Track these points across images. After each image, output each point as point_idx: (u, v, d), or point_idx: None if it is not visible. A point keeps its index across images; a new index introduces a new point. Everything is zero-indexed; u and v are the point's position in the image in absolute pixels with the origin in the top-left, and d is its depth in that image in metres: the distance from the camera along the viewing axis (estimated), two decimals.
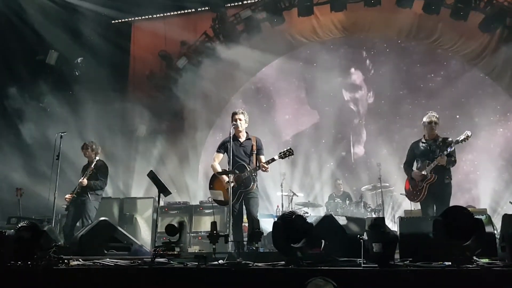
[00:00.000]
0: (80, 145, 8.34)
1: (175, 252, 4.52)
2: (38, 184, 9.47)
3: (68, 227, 7.74)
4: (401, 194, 7.89)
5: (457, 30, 10.85)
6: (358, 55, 11.84)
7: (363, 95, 11.74)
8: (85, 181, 7.70)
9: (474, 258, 3.84)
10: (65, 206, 7.82)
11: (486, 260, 3.99)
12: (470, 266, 3.67)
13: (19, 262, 4.39)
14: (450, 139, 6.69)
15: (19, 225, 4.92)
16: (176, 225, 4.79)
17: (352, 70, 12.00)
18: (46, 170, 8.42)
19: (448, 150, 6.49)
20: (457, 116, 10.70)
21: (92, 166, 7.84)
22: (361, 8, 10.99)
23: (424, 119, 6.86)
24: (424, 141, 6.90)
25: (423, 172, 6.61)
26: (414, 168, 6.97)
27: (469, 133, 6.46)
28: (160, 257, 4.46)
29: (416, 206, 7.49)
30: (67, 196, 7.82)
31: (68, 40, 11.77)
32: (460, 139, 6.46)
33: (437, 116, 6.84)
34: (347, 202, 10.05)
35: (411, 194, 6.90)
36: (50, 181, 7.65)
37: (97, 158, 8.02)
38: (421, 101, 11.14)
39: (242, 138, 6.67)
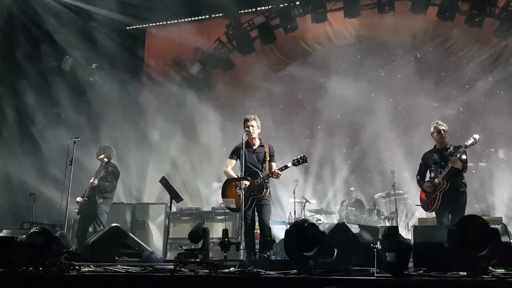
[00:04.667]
0: (93, 150, 8.43)
1: (198, 260, 4.47)
2: (51, 189, 9.55)
3: (80, 232, 7.80)
4: (416, 205, 7.77)
5: (471, 37, 10.72)
6: (372, 61, 11.75)
7: (378, 101, 11.62)
8: (95, 182, 7.76)
9: (490, 268, 3.78)
10: (76, 211, 7.89)
11: (502, 271, 3.92)
12: (486, 276, 3.60)
13: (31, 268, 4.42)
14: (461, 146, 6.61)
15: (31, 231, 4.95)
16: (199, 231, 4.75)
17: (366, 76, 11.91)
18: (59, 175, 8.47)
19: (458, 155, 6.39)
20: (471, 123, 10.57)
21: (102, 168, 7.91)
22: (375, 15, 10.93)
23: (432, 129, 6.83)
24: (435, 150, 6.85)
25: (436, 180, 6.50)
26: (427, 178, 6.86)
27: (476, 136, 6.38)
28: (183, 264, 4.40)
29: (431, 214, 7.36)
30: (78, 198, 7.88)
31: (83, 46, 11.90)
32: (468, 144, 6.38)
33: (445, 124, 6.80)
34: (360, 208, 9.99)
35: (426, 204, 6.77)
36: (63, 186, 7.69)
37: (109, 161, 8.10)
38: (436, 107, 11.04)
39: (255, 144, 6.64)
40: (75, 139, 7.87)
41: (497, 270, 3.85)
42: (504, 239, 4.27)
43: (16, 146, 10.97)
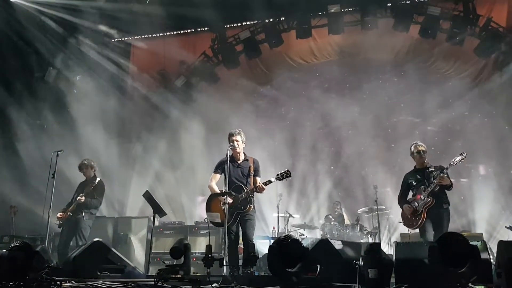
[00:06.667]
0: (76, 163, 8.33)
1: (179, 276, 4.44)
2: (32, 202, 9.40)
3: (62, 246, 7.68)
4: (399, 222, 7.79)
5: (453, 55, 10.99)
6: (355, 77, 11.89)
7: (360, 118, 11.74)
8: (83, 198, 7.68)
9: (470, 285, 3.83)
10: (58, 223, 7.78)
11: (482, 287, 3.96)
12: None
13: (11, 283, 4.34)
14: (442, 165, 6.67)
15: (12, 245, 4.88)
16: (181, 247, 4.73)
17: (350, 91, 12.02)
18: (41, 188, 8.34)
19: (445, 172, 6.47)
20: (452, 139, 10.72)
21: (93, 185, 7.83)
22: (359, 31, 11.14)
23: (412, 150, 6.90)
24: (416, 170, 6.91)
25: (420, 196, 6.57)
26: (410, 196, 6.88)
27: (464, 154, 6.45)
28: (164, 280, 4.37)
29: (413, 230, 7.41)
30: (59, 214, 7.78)
31: (67, 58, 11.84)
32: (456, 161, 6.45)
33: (423, 145, 6.88)
34: (341, 223, 10.02)
35: (409, 221, 6.78)
36: (45, 199, 7.58)
37: (97, 176, 8.02)
38: (417, 123, 11.19)
39: (240, 159, 6.67)
40: (59, 152, 7.74)
41: (477, 287, 3.90)
42: (484, 256, 4.32)
43: None
